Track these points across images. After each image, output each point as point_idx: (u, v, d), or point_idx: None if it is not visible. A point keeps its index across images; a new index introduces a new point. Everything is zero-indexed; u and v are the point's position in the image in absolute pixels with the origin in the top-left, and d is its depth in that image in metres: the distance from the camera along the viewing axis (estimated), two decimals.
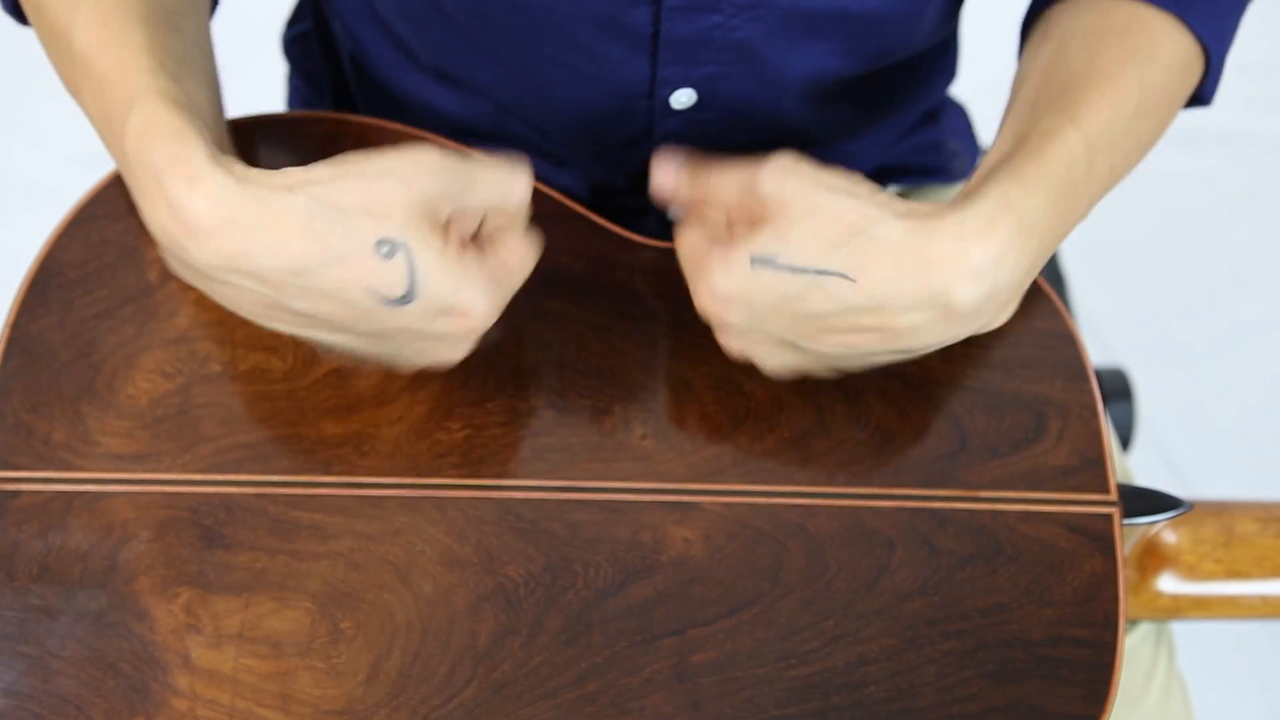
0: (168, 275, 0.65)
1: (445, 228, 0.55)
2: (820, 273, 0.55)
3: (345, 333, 0.56)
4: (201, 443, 0.62)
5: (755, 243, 0.55)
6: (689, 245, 0.60)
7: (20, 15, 0.66)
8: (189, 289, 0.64)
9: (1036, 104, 0.62)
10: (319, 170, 0.54)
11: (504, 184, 0.56)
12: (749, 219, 0.57)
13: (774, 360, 0.60)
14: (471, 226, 0.57)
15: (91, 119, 0.60)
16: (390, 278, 0.54)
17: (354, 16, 0.75)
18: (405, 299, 0.54)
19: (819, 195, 0.55)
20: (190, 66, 0.60)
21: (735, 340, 0.60)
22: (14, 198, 1.56)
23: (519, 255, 0.58)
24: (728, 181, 0.58)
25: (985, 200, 0.56)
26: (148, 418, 0.62)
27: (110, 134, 0.58)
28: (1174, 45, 0.64)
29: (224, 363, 0.63)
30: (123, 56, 0.57)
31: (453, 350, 0.58)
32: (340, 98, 0.83)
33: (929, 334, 0.57)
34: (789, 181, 0.55)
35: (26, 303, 0.64)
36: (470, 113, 0.73)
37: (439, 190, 0.54)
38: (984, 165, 0.61)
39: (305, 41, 0.84)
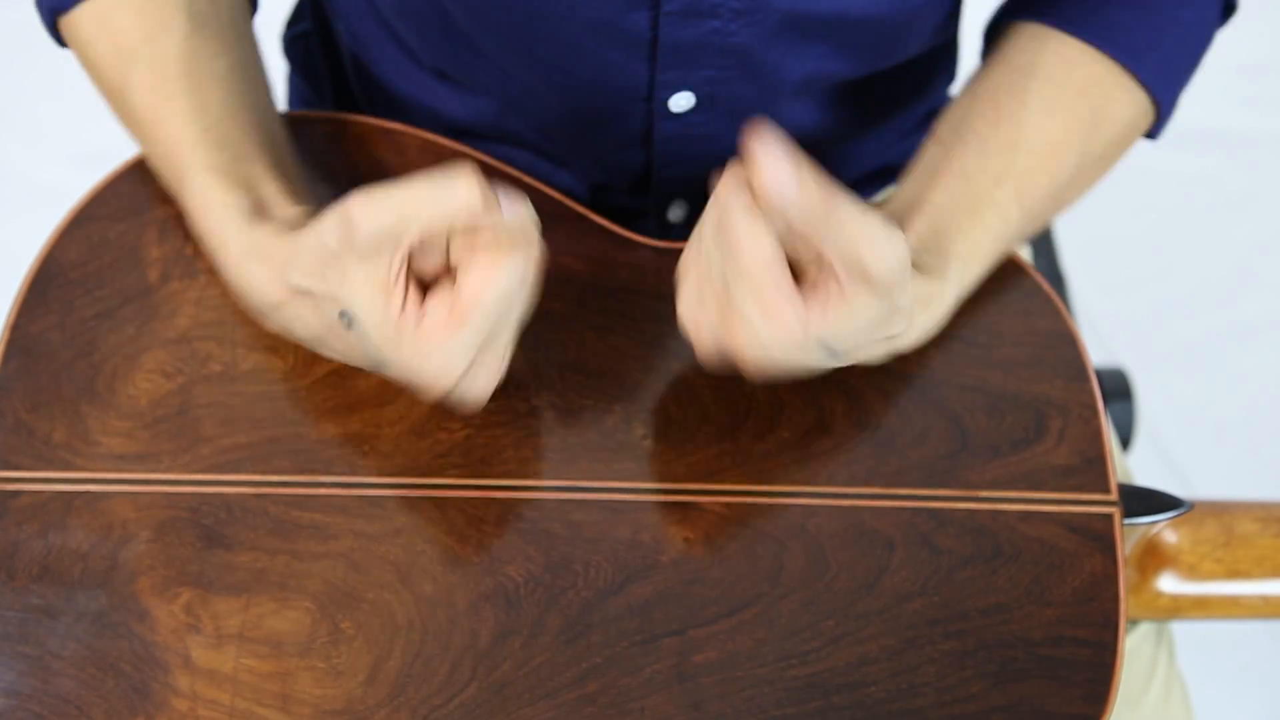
0: (168, 275, 0.65)
1: (391, 282, 0.54)
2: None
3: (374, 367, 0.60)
4: (202, 443, 0.62)
5: (831, 334, 0.54)
6: (759, 258, 0.53)
7: (60, 39, 0.69)
8: (189, 289, 0.65)
9: (985, 145, 0.65)
10: (291, 247, 0.57)
11: (442, 201, 0.52)
12: (820, 265, 0.53)
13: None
14: (437, 259, 0.55)
15: (157, 174, 0.66)
16: (361, 344, 0.57)
17: (355, 17, 0.75)
18: (380, 364, 0.58)
19: (895, 303, 0.56)
20: (235, 113, 0.64)
21: (750, 369, 0.57)
22: (14, 198, 1.56)
23: (477, 281, 0.53)
24: (819, 214, 0.51)
25: (945, 283, 0.62)
26: (148, 418, 0.62)
27: (177, 191, 0.64)
28: (1125, 106, 0.67)
29: (224, 363, 0.63)
30: (171, 129, 0.63)
31: (467, 391, 0.58)
32: (340, 97, 0.83)
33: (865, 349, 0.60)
34: (902, 280, 0.54)
35: (27, 303, 0.64)
36: (470, 113, 0.73)
37: (386, 231, 0.52)
38: (922, 163, 0.66)
39: (305, 41, 0.84)
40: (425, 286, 0.56)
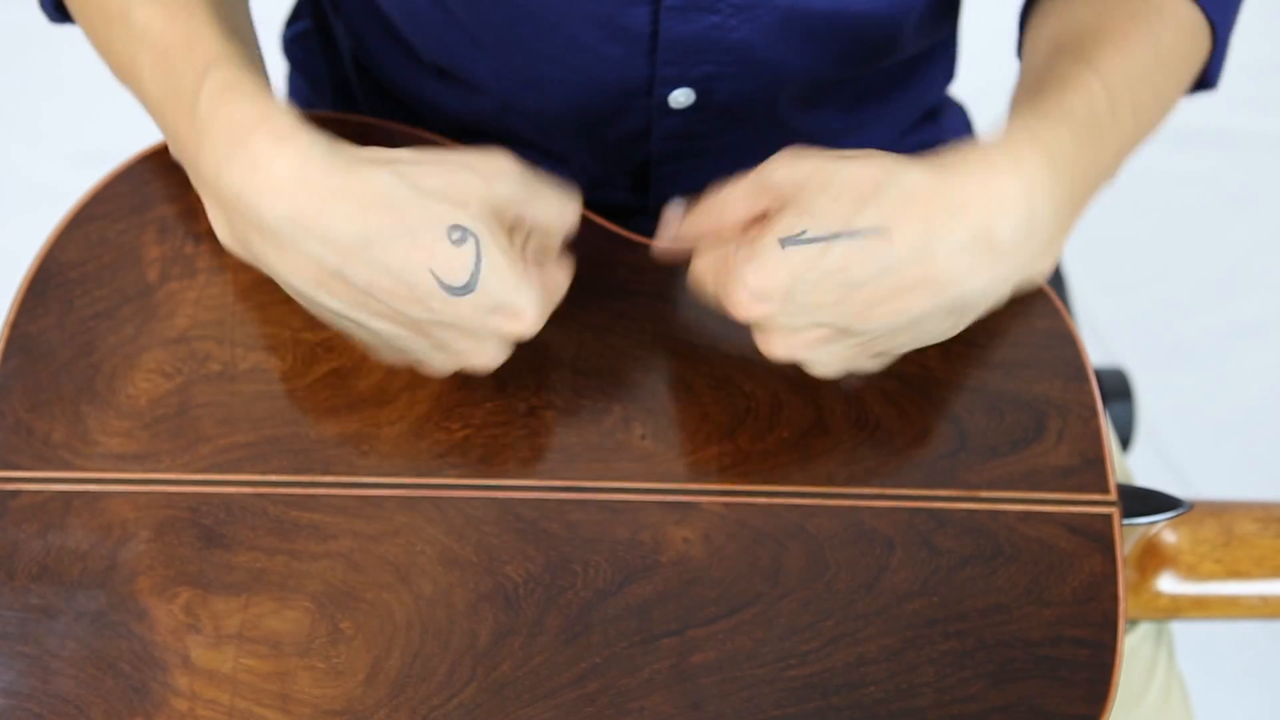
0: (168, 275, 0.65)
1: (510, 230, 0.56)
2: (853, 235, 0.53)
3: (391, 320, 0.56)
4: (201, 443, 0.62)
5: (779, 226, 0.54)
6: (707, 266, 0.58)
7: (57, 13, 0.67)
8: (188, 289, 0.65)
9: (1048, 63, 0.61)
10: (404, 152, 0.55)
11: (561, 206, 0.58)
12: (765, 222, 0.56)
13: (828, 356, 0.58)
14: (518, 240, 0.57)
15: (148, 94, 0.60)
16: (456, 263, 0.54)
17: (356, 14, 0.75)
18: (465, 288, 0.54)
19: (833, 164, 0.54)
20: (253, 44, 0.62)
21: (782, 341, 0.57)
22: (14, 198, 1.56)
23: (558, 278, 0.59)
24: (735, 192, 0.57)
25: (1008, 136, 0.55)
26: (147, 417, 0.62)
27: (176, 104, 0.58)
28: (1181, 11, 0.64)
29: (224, 362, 0.63)
30: (191, 26, 0.58)
31: (493, 354, 0.58)
32: (340, 96, 0.83)
33: (977, 277, 0.54)
34: (799, 163, 0.55)
35: (26, 302, 0.64)
36: (471, 110, 0.73)
37: (510, 194, 0.55)
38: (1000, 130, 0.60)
39: (305, 40, 0.84)
40: None
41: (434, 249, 0.53)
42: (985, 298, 0.56)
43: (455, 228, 0.54)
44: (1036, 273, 0.57)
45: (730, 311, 0.56)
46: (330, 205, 0.53)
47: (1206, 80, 0.69)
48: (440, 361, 0.59)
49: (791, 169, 0.55)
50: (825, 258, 0.53)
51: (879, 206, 0.53)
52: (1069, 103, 0.57)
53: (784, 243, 0.54)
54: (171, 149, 0.61)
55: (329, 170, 0.53)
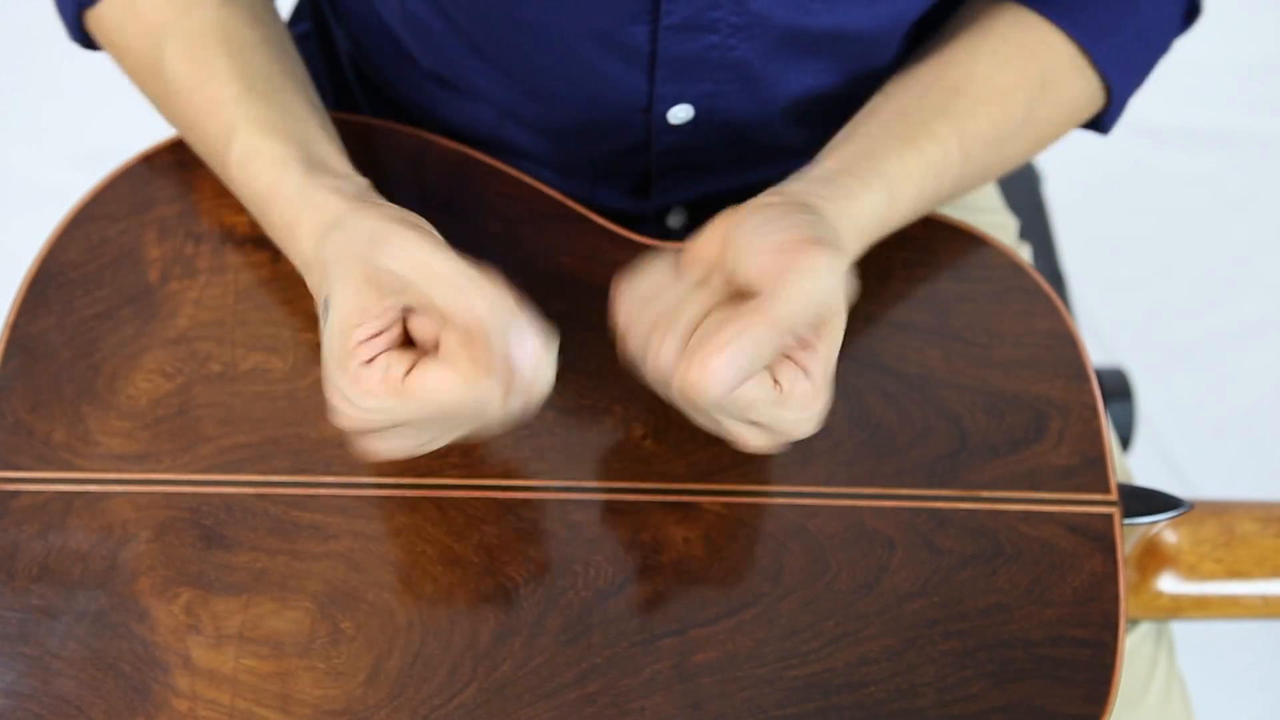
0: (168, 275, 0.65)
1: (385, 310, 0.53)
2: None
3: None
4: (202, 443, 0.62)
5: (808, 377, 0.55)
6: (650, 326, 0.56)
7: (86, 41, 0.68)
8: (189, 289, 0.65)
9: (923, 98, 0.64)
10: (357, 223, 0.55)
11: (457, 296, 0.51)
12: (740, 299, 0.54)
13: (737, 434, 0.58)
14: (429, 330, 0.54)
15: (194, 148, 0.65)
16: (323, 335, 0.55)
17: (356, 21, 0.75)
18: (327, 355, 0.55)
19: (836, 316, 0.55)
20: (276, 77, 0.62)
21: (701, 419, 0.57)
22: (14, 198, 1.56)
23: (434, 381, 0.52)
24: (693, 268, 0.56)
25: (860, 219, 0.60)
26: (148, 418, 0.62)
27: (215, 160, 0.62)
28: (1075, 80, 0.67)
29: (224, 363, 0.63)
30: (210, 91, 0.61)
31: (376, 446, 0.56)
32: (340, 98, 0.83)
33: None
34: (821, 297, 0.54)
35: (26, 303, 0.64)
36: (469, 120, 0.73)
37: (386, 271, 0.52)
38: (859, 113, 0.65)
39: (304, 43, 0.84)
40: (411, 341, 0.55)
41: (321, 317, 0.56)
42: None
43: (325, 300, 0.54)
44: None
45: (687, 376, 0.54)
46: (310, 279, 0.58)
47: (1099, 127, 0.71)
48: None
49: (814, 298, 0.54)
50: (776, 408, 0.55)
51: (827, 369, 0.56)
52: (920, 176, 0.62)
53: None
54: None
55: (323, 243, 0.56)
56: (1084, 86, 0.68)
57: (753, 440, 0.57)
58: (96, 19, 0.67)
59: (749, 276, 0.53)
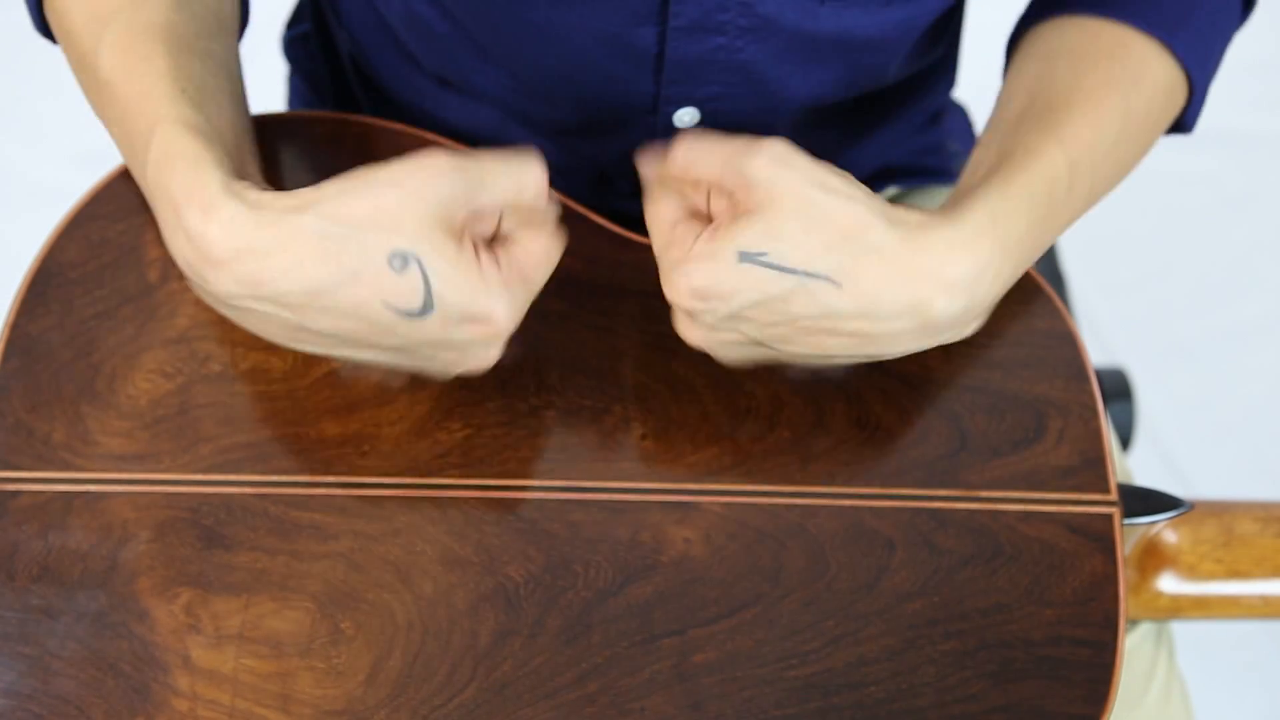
0: (168, 275, 0.65)
1: (460, 232, 0.55)
2: (809, 275, 0.54)
3: (372, 348, 0.56)
4: (201, 443, 0.62)
5: (744, 236, 0.54)
6: (662, 220, 0.58)
7: (47, 30, 0.67)
8: (189, 289, 0.64)
9: (1021, 121, 0.62)
10: (328, 187, 0.54)
11: (515, 178, 0.56)
12: (732, 203, 0.56)
13: (734, 355, 0.59)
14: (489, 226, 0.56)
15: (118, 145, 0.61)
16: (406, 290, 0.53)
17: (357, 22, 0.75)
18: (424, 311, 0.54)
19: (814, 193, 0.54)
20: (213, 90, 0.60)
21: (701, 334, 0.58)
22: (14, 198, 1.56)
23: (537, 252, 0.57)
24: (714, 156, 0.56)
25: (972, 215, 0.57)
26: (148, 418, 0.62)
27: (134, 161, 0.59)
28: (1159, 71, 0.65)
29: (224, 363, 0.63)
30: (145, 84, 0.58)
31: (482, 356, 0.57)
32: (341, 98, 0.83)
33: (902, 342, 0.57)
34: (784, 173, 0.55)
35: (26, 303, 0.64)
36: (471, 121, 0.73)
37: (448, 195, 0.54)
38: (967, 177, 0.62)
39: (305, 43, 0.84)
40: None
41: (379, 282, 0.53)
42: (900, 353, 0.59)
43: (394, 254, 0.53)
44: (958, 338, 0.60)
45: (665, 289, 0.57)
46: (267, 267, 0.53)
47: (1182, 126, 0.69)
48: (439, 370, 0.59)
49: (775, 175, 0.54)
50: (774, 285, 0.55)
51: (842, 256, 0.54)
52: (1033, 184, 0.59)
53: (742, 256, 0.54)
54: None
55: (256, 231, 0.53)
56: (1167, 76, 0.65)
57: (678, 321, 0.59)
58: (50, 4, 0.64)
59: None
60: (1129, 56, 0.64)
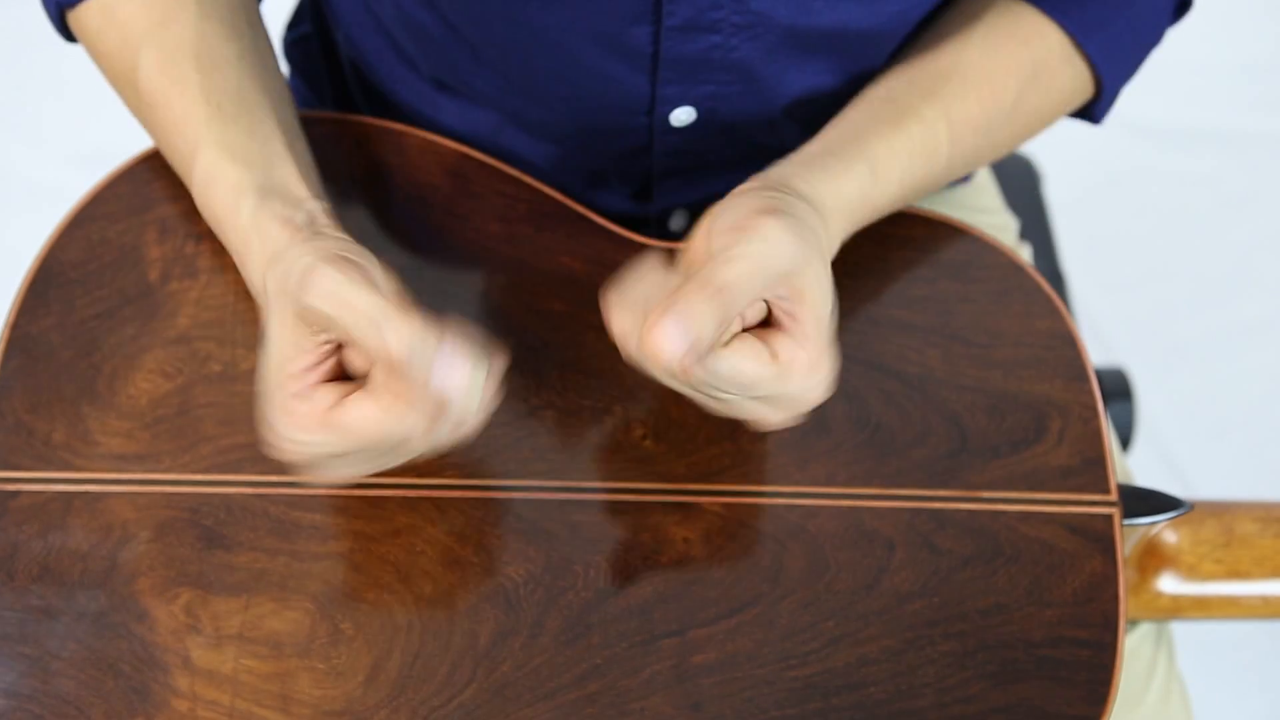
0: (168, 275, 0.65)
1: (318, 345, 0.54)
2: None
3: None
4: (202, 443, 0.62)
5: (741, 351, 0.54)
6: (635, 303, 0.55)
7: (70, 35, 0.69)
8: (189, 289, 0.65)
9: (913, 83, 0.65)
10: (287, 254, 0.55)
11: (375, 329, 0.52)
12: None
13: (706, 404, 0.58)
14: (359, 362, 0.55)
15: (169, 160, 0.65)
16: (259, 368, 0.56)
17: (355, 24, 0.75)
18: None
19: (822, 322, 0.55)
20: (249, 95, 0.63)
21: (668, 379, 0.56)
22: (14, 198, 1.56)
23: (360, 413, 0.52)
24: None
25: (841, 216, 0.61)
26: (148, 418, 0.62)
27: (184, 176, 0.63)
28: (1066, 70, 0.68)
29: (224, 363, 0.63)
30: (181, 106, 0.62)
31: (320, 471, 0.55)
32: (341, 99, 0.83)
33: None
34: (810, 298, 0.55)
35: (26, 303, 0.64)
36: (469, 124, 0.73)
37: (310, 309, 0.53)
38: (851, 105, 0.65)
39: (305, 44, 0.84)
40: (346, 375, 0.55)
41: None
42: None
43: (266, 333, 0.55)
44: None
45: (641, 346, 0.54)
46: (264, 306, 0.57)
47: (1091, 118, 0.72)
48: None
49: (805, 299, 0.54)
50: (780, 381, 0.55)
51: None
52: (907, 157, 0.63)
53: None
54: None
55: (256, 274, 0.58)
56: (1074, 76, 0.68)
57: (769, 416, 0.57)
58: (77, 20, 0.66)
59: (713, 255, 0.54)
60: (1040, 48, 0.67)
